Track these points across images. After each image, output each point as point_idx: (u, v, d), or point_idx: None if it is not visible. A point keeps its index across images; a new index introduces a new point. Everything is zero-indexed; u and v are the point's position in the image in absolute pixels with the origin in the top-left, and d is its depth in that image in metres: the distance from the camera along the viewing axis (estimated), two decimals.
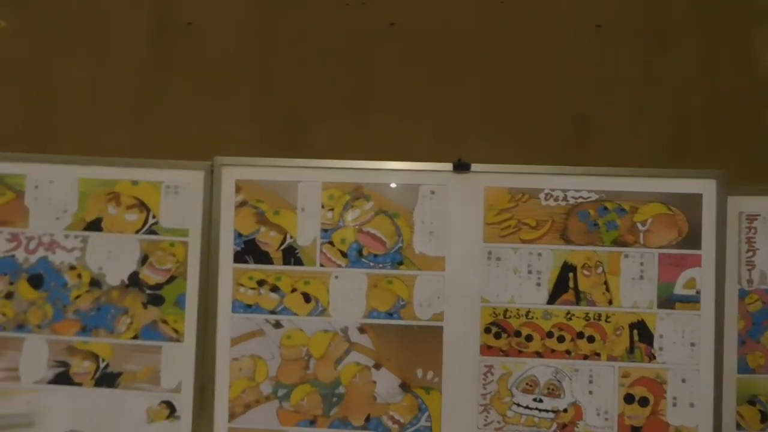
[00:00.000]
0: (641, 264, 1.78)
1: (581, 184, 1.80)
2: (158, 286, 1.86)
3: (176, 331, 1.86)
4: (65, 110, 2.19)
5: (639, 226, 1.79)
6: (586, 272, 1.79)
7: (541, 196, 1.81)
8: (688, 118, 2.13)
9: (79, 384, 1.86)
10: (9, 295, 1.87)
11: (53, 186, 1.87)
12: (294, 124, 2.16)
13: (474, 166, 1.80)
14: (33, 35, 2.21)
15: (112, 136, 2.16)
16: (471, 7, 2.17)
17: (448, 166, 1.82)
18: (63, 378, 1.86)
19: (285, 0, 2.19)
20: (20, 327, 1.87)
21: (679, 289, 1.77)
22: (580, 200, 1.80)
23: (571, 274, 1.79)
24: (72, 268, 1.87)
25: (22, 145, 2.10)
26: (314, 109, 2.16)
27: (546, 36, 2.15)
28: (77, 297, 1.87)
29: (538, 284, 1.80)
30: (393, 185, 1.81)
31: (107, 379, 1.86)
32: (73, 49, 2.20)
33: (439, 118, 2.14)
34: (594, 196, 1.80)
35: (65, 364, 1.86)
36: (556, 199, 1.80)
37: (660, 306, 1.78)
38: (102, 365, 1.86)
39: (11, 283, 1.87)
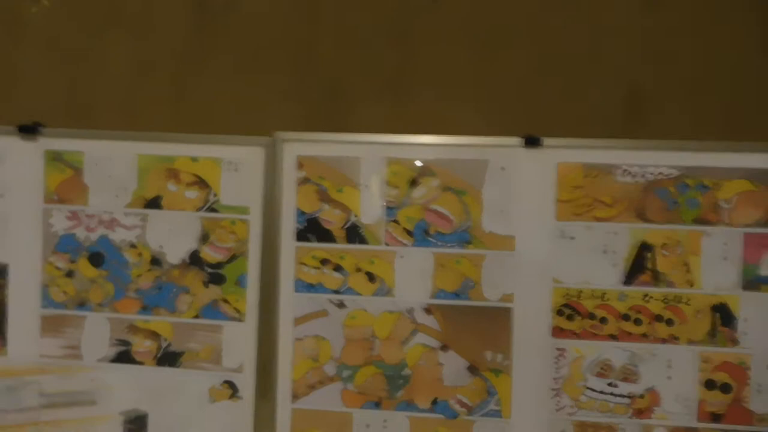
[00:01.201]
0: (724, 244, 1.69)
1: (660, 159, 1.70)
2: (219, 265, 1.82)
3: (237, 311, 1.82)
4: (106, 86, 2.14)
5: (722, 203, 1.70)
6: (664, 252, 1.71)
7: (617, 172, 1.72)
8: (747, 89, 2.01)
9: (141, 363, 1.84)
10: (70, 274, 1.86)
11: (112, 163, 1.84)
12: (336, 100, 2.08)
13: (545, 141, 1.73)
14: (74, 11, 2.16)
15: (153, 111, 2.11)
16: None
17: (519, 141, 1.74)
18: (125, 356, 1.85)
19: None
20: (81, 305, 1.85)
21: (765, 271, 1.68)
22: (659, 176, 1.71)
23: (648, 254, 1.71)
24: (132, 246, 1.84)
25: (65, 120, 2.07)
26: (357, 84, 2.08)
27: (600, 9, 2.04)
28: (138, 275, 1.84)
29: (614, 264, 1.72)
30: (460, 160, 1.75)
31: (169, 358, 1.84)
32: (114, 25, 2.15)
33: (486, 93, 2.04)
34: (674, 173, 1.70)
35: (127, 343, 1.85)
36: (633, 176, 1.71)
37: (744, 288, 1.69)
38: (164, 344, 1.84)
39: (72, 262, 1.85)
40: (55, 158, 1.85)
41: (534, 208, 1.74)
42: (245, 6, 2.13)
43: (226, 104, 2.11)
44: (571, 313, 1.74)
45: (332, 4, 2.12)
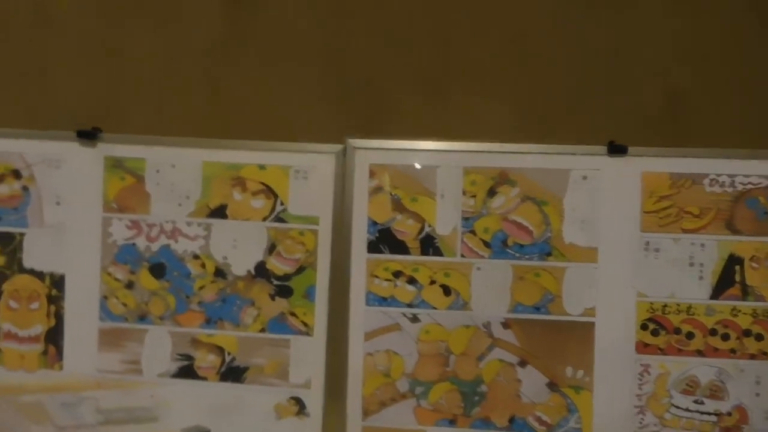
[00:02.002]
0: None
1: (751, 169, 1.65)
2: (286, 277, 1.76)
3: (305, 324, 1.75)
4: (134, 83, 2.02)
5: None
6: (754, 265, 1.65)
7: (705, 182, 1.66)
8: None
9: (204, 378, 1.77)
10: (130, 285, 1.78)
11: (175, 170, 1.77)
12: (370, 100, 1.98)
13: (630, 149, 1.67)
14: (100, 6, 2.08)
15: (182, 110, 2.00)
16: None
17: (602, 149, 1.68)
18: (187, 372, 1.77)
19: None
20: (142, 318, 1.78)
21: None
22: (749, 186, 1.65)
23: (737, 267, 1.65)
24: (195, 257, 1.77)
25: (91, 118, 1.96)
26: (392, 88, 1.99)
27: (637, 7, 1.98)
28: (201, 287, 1.77)
29: (701, 277, 1.66)
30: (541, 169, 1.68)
31: (233, 374, 1.77)
32: (143, 20, 2.05)
33: (523, 96, 1.94)
34: (765, 182, 1.65)
35: (189, 358, 1.77)
36: (722, 185, 1.65)
37: None
38: (228, 359, 1.77)
39: (132, 273, 1.78)
40: (115, 165, 1.78)
41: (617, 218, 1.67)
42: (277, 2, 2.05)
43: (255, 104, 2.02)
44: (656, 328, 1.67)
45: (367, 1, 2.03)
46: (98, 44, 2.06)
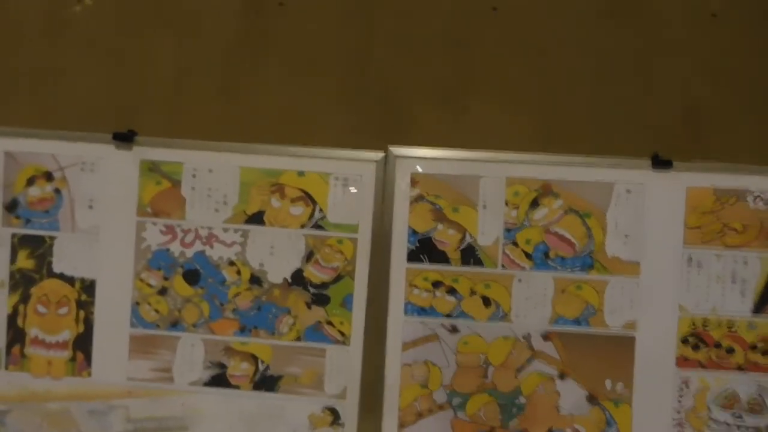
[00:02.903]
0: None
1: None
2: (324, 285, 1.73)
3: (342, 334, 1.73)
4: (151, 89, 2.00)
5: None
6: None
7: (749, 198, 1.66)
8: None
9: (237, 387, 1.74)
10: (163, 291, 1.75)
11: (212, 175, 1.73)
12: (390, 110, 1.97)
13: (675, 164, 1.67)
14: (118, 13, 2.05)
15: (198, 116, 1.98)
16: None
17: (646, 162, 1.68)
18: (219, 380, 1.74)
19: None
20: (174, 325, 1.75)
21: None
22: None
23: None
24: (231, 263, 1.74)
25: (106, 123, 1.93)
26: (410, 98, 1.97)
27: (659, 24, 1.98)
28: (236, 295, 1.74)
29: (743, 293, 1.66)
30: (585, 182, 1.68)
31: (267, 383, 1.74)
32: (160, 27, 2.01)
33: (542, 108, 1.94)
34: None
35: (222, 366, 1.74)
36: (766, 202, 1.65)
37: None
38: (261, 367, 1.74)
39: (165, 279, 1.74)
40: (150, 168, 1.74)
41: (660, 233, 1.67)
42: (295, 12, 2.00)
43: (272, 112, 1.99)
44: (697, 343, 1.67)
45: (384, 10, 2.00)
46: (119, 49, 2.02)
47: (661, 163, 1.66)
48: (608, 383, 1.68)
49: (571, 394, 1.69)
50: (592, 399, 1.69)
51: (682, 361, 1.67)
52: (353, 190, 1.71)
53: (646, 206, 1.67)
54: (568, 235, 1.69)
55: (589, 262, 1.69)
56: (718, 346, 1.66)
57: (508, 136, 1.92)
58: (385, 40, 2.01)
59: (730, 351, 1.66)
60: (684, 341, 1.67)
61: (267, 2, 2.02)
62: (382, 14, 2.02)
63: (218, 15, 2.02)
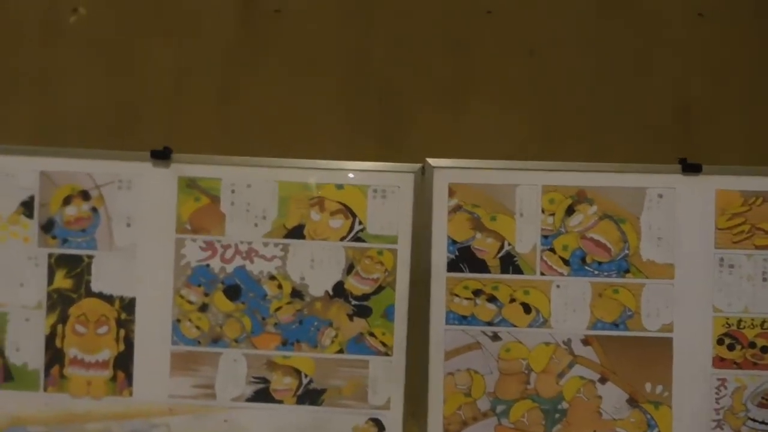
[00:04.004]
0: None
1: None
2: (365, 297, 1.75)
3: (384, 345, 1.74)
4: (147, 99, 2.02)
5: None
6: None
7: None
8: None
9: (280, 401, 1.74)
10: (203, 308, 1.75)
11: (251, 190, 1.75)
12: (388, 117, 2.01)
13: (705, 168, 1.72)
14: (118, 17, 2.06)
15: (197, 122, 2.00)
16: None
17: (677, 167, 1.73)
18: (262, 395, 1.74)
19: None
20: (216, 341, 1.74)
21: None
22: None
23: None
24: (272, 278, 1.75)
25: (100, 133, 1.98)
26: (409, 99, 2.02)
27: (656, 25, 2.03)
28: (277, 309, 1.75)
29: None
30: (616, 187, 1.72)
31: (310, 396, 1.74)
32: (158, 33, 2.04)
33: (539, 110, 2.00)
34: None
35: (265, 381, 1.74)
36: None
37: None
38: (305, 381, 1.74)
39: (206, 295, 1.75)
40: (189, 185, 1.75)
41: (693, 235, 1.72)
42: (292, 18, 2.04)
43: (271, 118, 2.01)
44: (732, 343, 1.71)
45: (381, 14, 2.05)
46: (116, 56, 2.05)
47: (690, 167, 1.72)
48: (648, 386, 1.72)
49: (612, 398, 1.72)
50: (632, 402, 1.72)
51: (718, 362, 1.71)
52: (390, 201, 1.74)
53: (678, 210, 1.72)
54: (603, 241, 1.73)
55: (624, 266, 1.73)
56: (752, 345, 1.71)
57: (507, 136, 1.98)
58: (384, 42, 2.05)
59: (765, 350, 1.70)
60: (719, 341, 1.71)
61: (264, 9, 2.04)
62: (381, 16, 2.05)
63: (217, 20, 2.05)
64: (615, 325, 1.72)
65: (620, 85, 2.02)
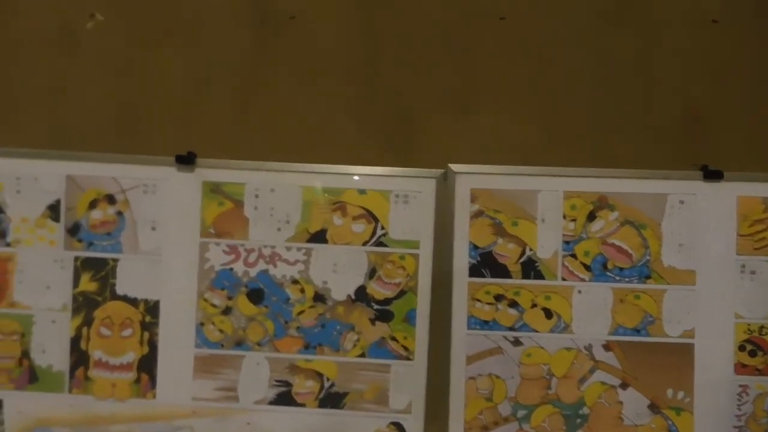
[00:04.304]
0: None
1: None
2: (387, 301, 1.76)
3: (406, 349, 1.75)
4: (161, 106, 2.06)
5: None
6: None
7: None
8: None
9: (302, 405, 1.75)
10: (227, 311, 1.76)
11: (274, 195, 1.77)
12: (399, 122, 2.04)
13: (726, 174, 1.73)
14: (128, 26, 2.09)
15: (209, 132, 2.03)
16: (583, 1, 2.06)
17: (698, 174, 1.74)
18: (284, 398, 1.75)
19: None
20: (239, 344, 1.76)
21: None
22: None
23: None
24: (294, 282, 1.76)
25: (115, 139, 2.01)
26: (420, 106, 2.04)
27: (661, 32, 2.05)
28: (300, 312, 1.76)
29: None
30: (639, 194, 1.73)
31: (332, 399, 1.75)
32: (170, 42, 2.07)
33: (548, 117, 2.03)
34: None
35: (287, 384, 1.76)
36: None
37: None
38: (327, 384, 1.76)
39: (229, 298, 1.76)
40: (213, 190, 1.77)
41: (714, 242, 1.73)
42: (306, 25, 2.07)
43: (283, 126, 2.04)
44: (753, 349, 1.72)
45: (393, 21, 2.08)
46: (130, 63, 2.08)
47: (711, 174, 1.73)
48: (669, 392, 1.72)
49: (633, 404, 1.72)
50: (654, 408, 1.72)
51: (740, 368, 1.71)
52: (412, 206, 1.76)
53: (699, 216, 1.73)
54: (625, 246, 1.74)
55: (646, 272, 1.74)
56: None
57: (514, 141, 2.00)
58: (393, 50, 2.07)
59: None
60: (741, 348, 1.71)
61: (278, 15, 2.07)
62: (390, 24, 2.08)
63: (232, 27, 2.08)
64: (636, 331, 1.73)
65: (629, 90, 2.03)
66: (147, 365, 1.76)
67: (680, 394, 1.72)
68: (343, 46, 2.07)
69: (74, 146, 1.92)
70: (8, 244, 1.77)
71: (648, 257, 1.74)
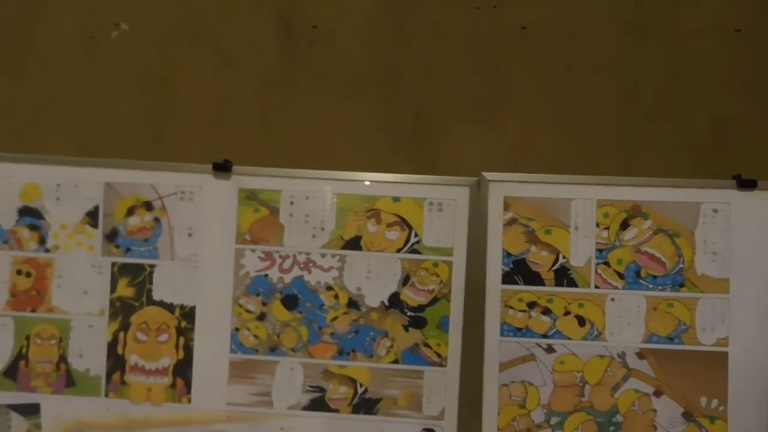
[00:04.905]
0: None
1: None
2: (420, 308, 1.77)
3: (439, 356, 1.76)
4: (187, 114, 2.09)
5: None
6: None
7: None
8: None
9: (336, 410, 1.76)
10: (262, 317, 1.78)
11: (309, 202, 1.79)
12: (422, 131, 2.06)
13: (760, 183, 1.74)
14: (154, 37, 2.12)
15: (235, 140, 2.06)
16: (605, 10, 2.08)
17: (732, 183, 1.75)
18: (318, 404, 1.76)
19: (413, 3, 2.11)
20: (273, 350, 1.78)
21: None
22: None
23: None
24: (329, 288, 1.78)
25: (143, 149, 2.03)
26: (443, 115, 2.07)
27: (684, 41, 2.07)
28: (334, 318, 1.78)
29: None
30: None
31: (365, 405, 1.76)
32: (198, 52, 2.11)
33: (573, 126, 2.04)
34: None
35: (321, 390, 1.77)
36: None
37: None
38: (360, 390, 1.77)
39: (264, 304, 1.78)
40: (249, 197, 1.79)
41: (748, 250, 1.73)
42: (329, 35, 2.10)
43: (308, 135, 2.07)
44: None
45: (419, 31, 2.11)
46: (157, 72, 2.11)
47: (745, 183, 1.74)
48: (703, 400, 1.72)
49: (667, 412, 1.72)
50: (688, 416, 1.72)
51: None
52: (446, 214, 1.77)
53: (733, 225, 1.74)
54: (658, 255, 1.75)
55: (679, 280, 1.74)
56: None
57: (542, 150, 2.02)
58: (417, 63, 2.09)
59: None
60: None
61: (301, 25, 2.11)
62: (413, 37, 2.11)
63: (257, 37, 2.11)
64: (670, 339, 1.73)
65: (657, 99, 2.05)
66: (182, 370, 1.78)
67: (714, 403, 1.72)
68: (368, 55, 2.10)
69: (105, 155, 1.97)
70: (47, 250, 1.80)
71: (681, 265, 1.74)
